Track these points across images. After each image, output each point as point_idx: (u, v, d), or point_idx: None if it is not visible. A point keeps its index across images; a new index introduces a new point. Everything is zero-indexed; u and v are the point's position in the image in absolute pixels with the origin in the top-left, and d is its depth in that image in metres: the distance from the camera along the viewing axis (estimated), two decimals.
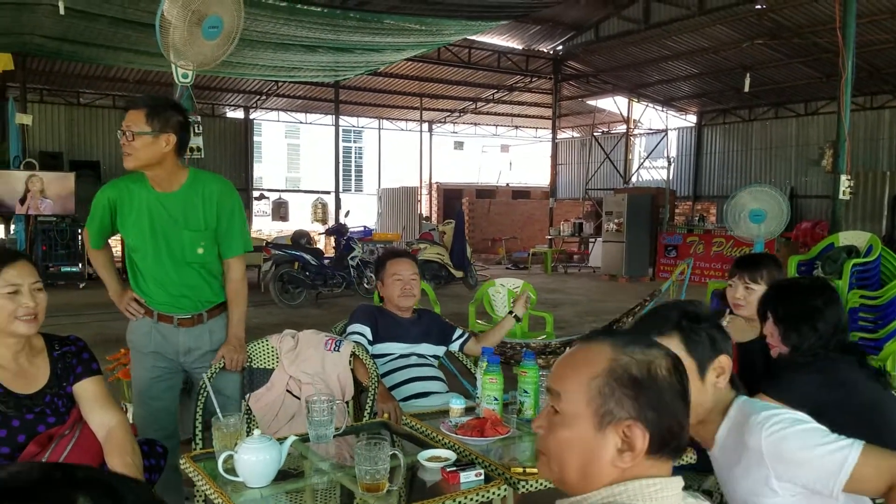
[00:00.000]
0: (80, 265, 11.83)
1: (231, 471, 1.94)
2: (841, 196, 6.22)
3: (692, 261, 6.38)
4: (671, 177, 16.76)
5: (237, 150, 18.41)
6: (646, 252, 14.73)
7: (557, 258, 17.13)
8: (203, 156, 3.89)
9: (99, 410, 2.19)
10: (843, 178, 6.21)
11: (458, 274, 11.68)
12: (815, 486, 1.42)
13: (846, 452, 1.39)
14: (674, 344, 1.58)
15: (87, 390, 2.21)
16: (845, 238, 5.84)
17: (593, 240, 17.25)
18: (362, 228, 14.21)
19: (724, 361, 1.61)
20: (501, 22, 12.94)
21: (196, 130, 3.76)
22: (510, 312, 3.35)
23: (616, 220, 14.58)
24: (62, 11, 7.12)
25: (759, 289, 2.76)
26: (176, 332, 2.82)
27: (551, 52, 17.25)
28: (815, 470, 1.41)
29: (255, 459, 1.93)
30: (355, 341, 3.09)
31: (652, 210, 14.96)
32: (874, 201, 10.63)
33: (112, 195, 2.76)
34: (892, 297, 4.72)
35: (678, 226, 15.49)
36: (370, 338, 3.18)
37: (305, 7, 9.91)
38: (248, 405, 2.93)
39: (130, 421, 2.57)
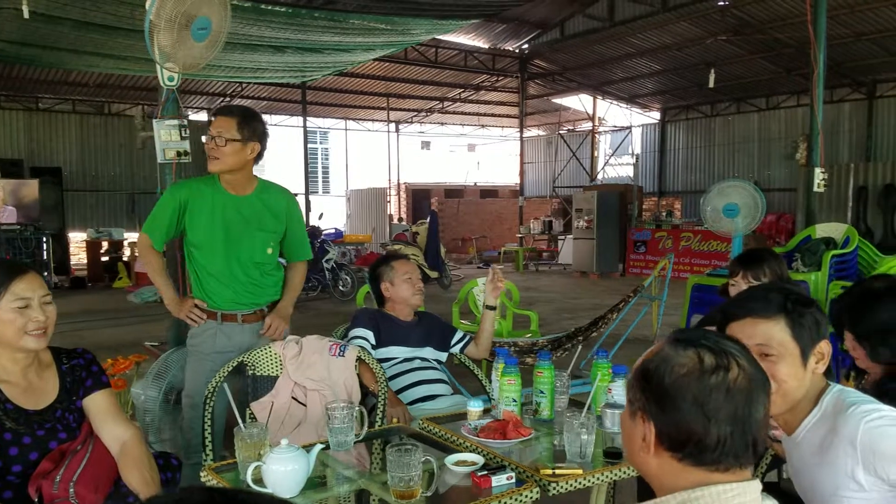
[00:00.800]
0: (45, 273, 11.51)
1: (259, 482, 1.90)
2: (815, 189, 6.36)
3: (673, 256, 6.45)
4: (637, 173, 17.00)
5: (200, 154, 18.03)
6: (615, 248, 14.90)
7: (528, 256, 17.24)
8: (191, 160, 3.80)
9: (111, 424, 2.13)
10: (818, 170, 6.35)
11: (434, 274, 11.67)
12: None
13: None
14: (779, 328, 1.55)
15: (98, 404, 2.14)
16: (822, 230, 5.97)
17: (562, 237, 17.39)
18: (333, 231, 14.12)
19: (824, 347, 1.57)
20: (472, 21, 12.96)
21: (184, 134, 3.70)
22: (485, 306, 3.25)
23: (586, 218, 14.71)
24: (26, 15, 6.90)
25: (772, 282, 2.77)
26: (241, 329, 2.95)
27: (517, 51, 17.34)
28: None
29: (284, 469, 1.89)
30: (358, 345, 3.06)
31: (620, 207, 15.14)
32: (839, 193, 10.93)
33: (183, 196, 2.84)
34: None
35: (646, 221, 15.70)
36: (373, 342, 3.15)
37: (271, 7, 9.79)
38: (252, 413, 2.87)
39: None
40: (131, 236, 14.72)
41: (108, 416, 2.13)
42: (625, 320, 5.88)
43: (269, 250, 2.94)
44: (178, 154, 3.68)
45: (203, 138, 2.81)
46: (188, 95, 17.29)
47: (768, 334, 1.54)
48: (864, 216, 10.85)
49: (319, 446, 2.02)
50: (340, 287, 10.65)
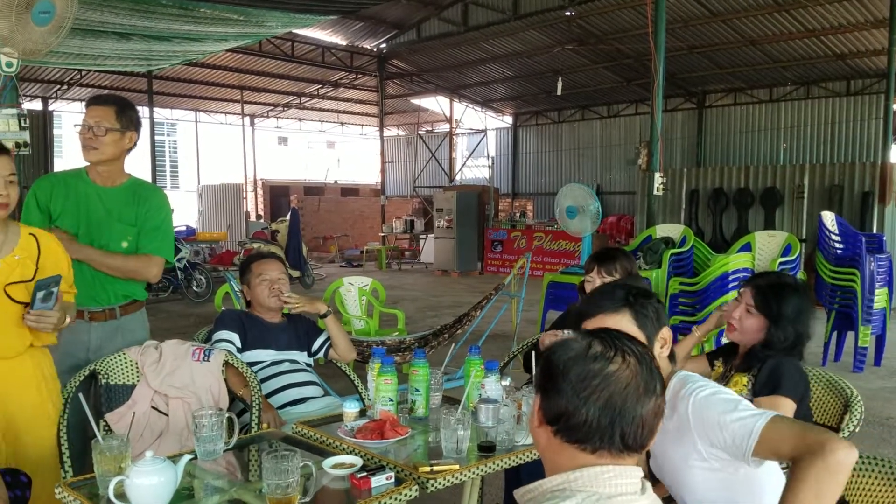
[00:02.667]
0: None
1: (122, 497, 1.79)
2: (655, 192, 6.86)
3: (530, 255, 6.72)
4: (492, 175, 17.54)
5: (35, 144, 16.55)
6: (475, 247, 15.32)
7: (391, 255, 17.31)
8: (31, 151, 3.50)
9: None
10: (657, 175, 6.84)
11: (295, 273, 11.43)
12: (731, 450, 1.55)
13: (757, 419, 1.51)
14: (625, 320, 1.70)
15: None
16: (661, 230, 6.45)
17: (424, 236, 17.60)
18: (184, 228, 13.46)
19: (666, 333, 1.74)
20: (330, 17, 12.79)
21: (23, 124, 3.41)
22: (320, 317, 3.23)
23: (446, 217, 15.00)
24: None
25: (616, 280, 2.94)
26: (87, 327, 2.78)
27: (375, 50, 17.34)
28: (731, 433, 1.53)
29: (149, 483, 1.79)
30: (224, 349, 2.95)
31: (478, 207, 15.57)
32: (673, 196, 11.82)
33: (45, 189, 2.73)
34: (708, 283, 5.29)
35: (502, 222, 16.23)
36: (239, 345, 3.05)
37: None
38: (106, 425, 2.69)
39: None
40: None
41: None
42: (487, 317, 6.07)
43: (125, 244, 2.79)
44: (18, 145, 3.39)
45: (76, 127, 2.67)
46: (19, 83, 15.83)
47: (616, 327, 1.66)
48: (696, 218, 11.81)
49: (188, 457, 1.93)
50: (194, 287, 10.18)
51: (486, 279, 13.67)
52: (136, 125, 2.79)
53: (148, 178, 15.87)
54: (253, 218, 19.17)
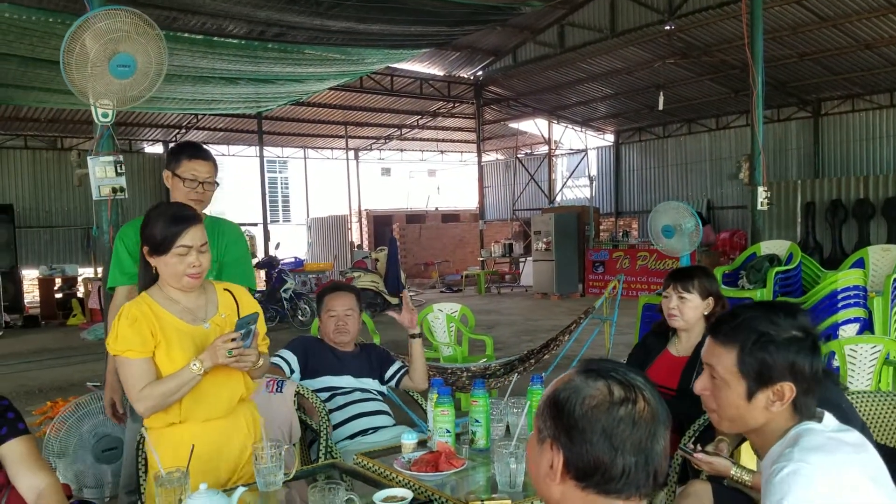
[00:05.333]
0: None
1: None
2: (759, 207, 6.49)
3: (623, 277, 6.52)
4: (593, 194, 17.21)
5: (157, 185, 17.86)
6: (574, 269, 15.03)
7: (490, 279, 17.30)
8: (126, 196, 3.75)
9: (27, 473, 2.06)
10: (760, 189, 6.49)
11: (394, 300, 11.63)
12: None
13: None
14: (730, 359, 1.54)
15: (13, 452, 2.07)
16: (766, 247, 6.08)
17: (523, 259, 17.49)
18: (293, 259, 14.01)
19: (785, 389, 1.50)
20: (424, 50, 13.07)
21: (119, 170, 3.64)
22: (409, 335, 3.15)
23: (545, 240, 14.84)
24: None
25: (692, 298, 2.83)
26: None
27: (472, 78, 17.56)
28: None
29: None
30: (274, 363, 3.06)
31: (578, 228, 15.31)
32: (787, 209, 11.19)
33: (131, 236, 2.81)
34: (816, 301, 4.93)
35: (604, 242, 15.88)
36: (294, 366, 3.14)
37: (223, 40, 9.77)
38: None
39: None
40: (86, 272, 14.43)
41: (23, 464, 2.06)
42: (580, 340, 5.92)
43: (210, 279, 2.92)
44: (114, 190, 3.62)
45: (184, 183, 2.76)
46: (141, 128, 17.11)
47: (719, 358, 1.56)
48: (813, 231, 11.11)
49: (242, 489, 1.98)
50: (300, 317, 10.54)
51: (587, 301, 13.33)
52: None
53: (260, 213, 16.80)
54: (356, 247, 19.74)
